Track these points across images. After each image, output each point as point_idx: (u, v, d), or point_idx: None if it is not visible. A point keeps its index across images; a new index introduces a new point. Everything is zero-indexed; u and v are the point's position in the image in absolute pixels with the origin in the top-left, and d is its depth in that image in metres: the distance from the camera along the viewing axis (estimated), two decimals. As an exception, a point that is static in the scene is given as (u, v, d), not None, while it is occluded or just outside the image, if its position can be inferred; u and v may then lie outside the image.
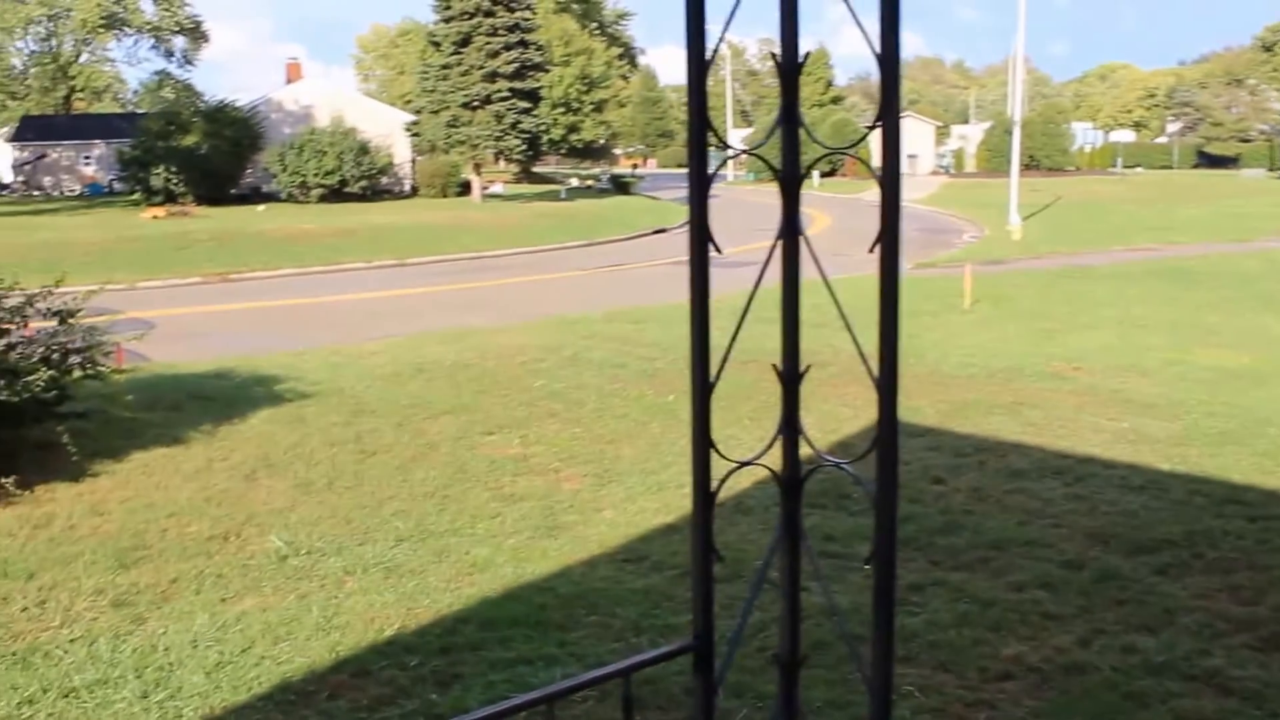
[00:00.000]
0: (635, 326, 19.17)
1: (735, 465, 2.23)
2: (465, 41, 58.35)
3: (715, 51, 2.10)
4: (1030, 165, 78.10)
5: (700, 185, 2.09)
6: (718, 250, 2.11)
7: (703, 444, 2.17)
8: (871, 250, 1.98)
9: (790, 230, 2.11)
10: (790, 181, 2.11)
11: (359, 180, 59.27)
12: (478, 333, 18.76)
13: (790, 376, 2.18)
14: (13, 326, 10.75)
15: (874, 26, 1.87)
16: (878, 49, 1.88)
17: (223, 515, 9.24)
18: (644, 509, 9.33)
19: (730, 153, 2.29)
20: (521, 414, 12.58)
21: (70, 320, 11.11)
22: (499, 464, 10.66)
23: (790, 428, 2.21)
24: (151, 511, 9.34)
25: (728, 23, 2.07)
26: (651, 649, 2.53)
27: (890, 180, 1.92)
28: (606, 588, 7.60)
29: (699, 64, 2.05)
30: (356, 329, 20.38)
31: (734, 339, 2.16)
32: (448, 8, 59.29)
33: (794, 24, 2.04)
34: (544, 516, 9.15)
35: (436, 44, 61.60)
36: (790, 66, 2.05)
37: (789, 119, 2.08)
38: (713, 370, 2.22)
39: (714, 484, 2.23)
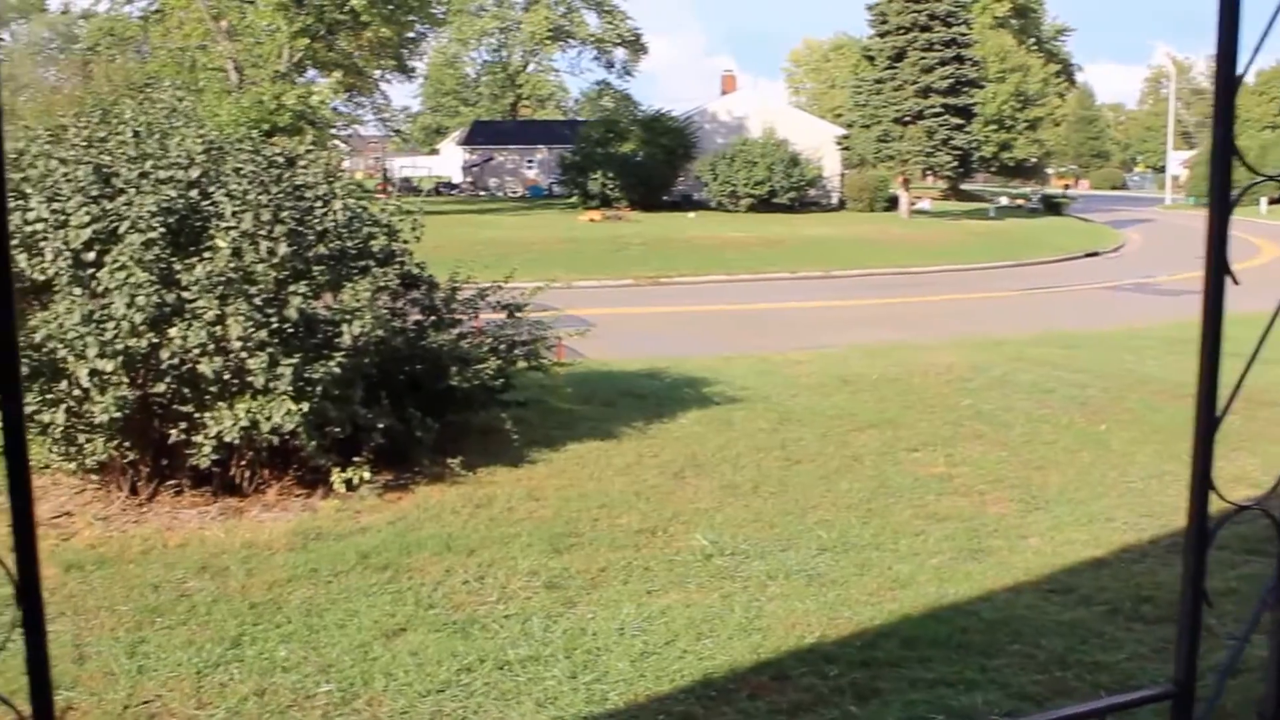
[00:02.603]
0: (1065, 351, 18.56)
1: (1234, 508, 2.10)
2: (900, 56, 58.07)
3: (1248, 67, 1.98)
4: None
5: (1221, 212, 1.98)
6: (1234, 280, 1.98)
7: (1202, 482, 2.05)
8: None
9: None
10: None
11: (787, 191, 59.81)
12: (903, 348, 18.62)
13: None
14: (465, 318, 11.41)
15: None
16: None
17: (651, 510, 9.50)
18: (1072, 540, 8.99)
19: (1259, 179, 2.12)
20: (947, 433, 12.38)
21: (518, 314, 11.70)
22: (923, 481, 10.53)
23: (1299, 468, 2.07)
24: (584, 501, 9.71)
25: (1265, 33, 1.94)
26: (1127, 690, 2.43)
27: None
28: (1031, 617, 7.36)
29: (1228, 81, 1.94)
30: (782, 338, 20.60)
31: (1245, 373, 2.04)
32: (883, 22, 59.16)
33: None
34: (968, 538, 8.95)
35: (870, 58, 61.65)
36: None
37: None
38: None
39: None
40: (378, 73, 66.92)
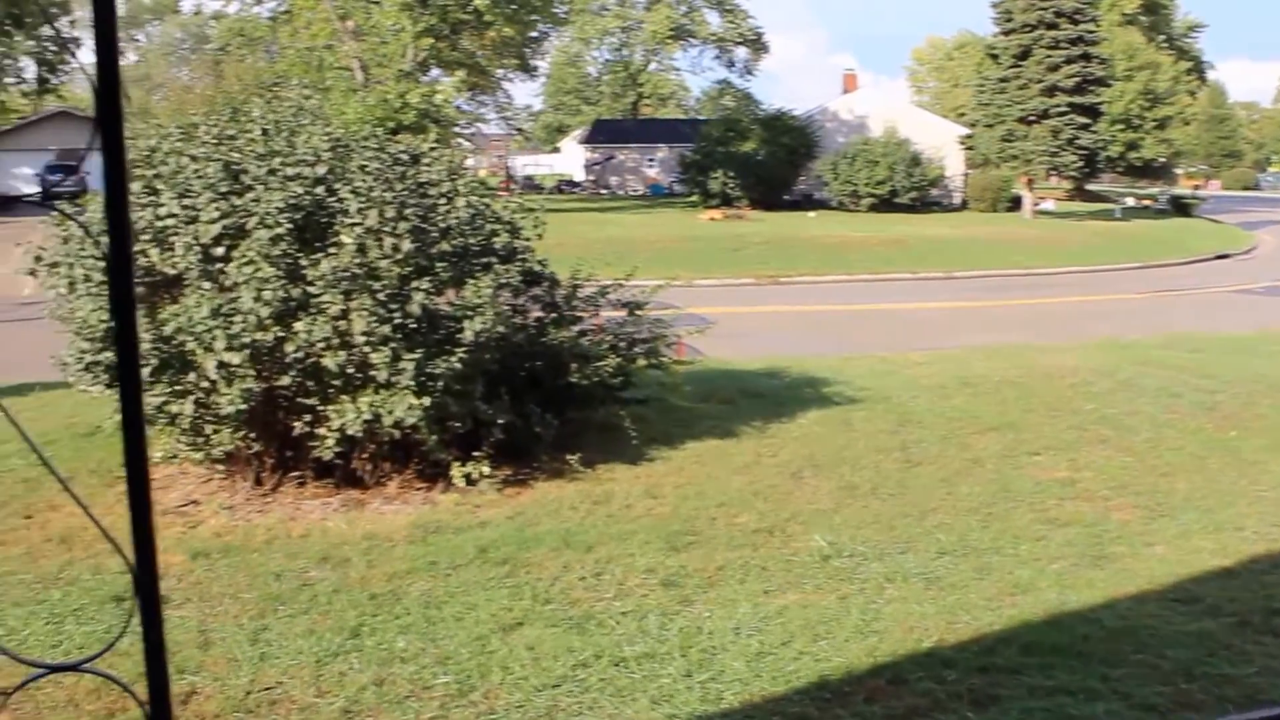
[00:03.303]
0: (1193, 355, 18.14)
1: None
2: (1025, 54, 57.28)
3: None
4: None
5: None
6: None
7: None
8: None
9: None
10: None
11: (909, 191, 59.36)
12: (1024, 350, 18.34)
13: None
14: (586, 315, 11.45)
15: None
16: None
17: (769, 510, 9.46)
18: (1199, 548, 8.78)
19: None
20: (1070, 437, 12.17)
21: (638, 312, 11.72)
22: (1045, 486, 10.36)
23: None
24: (702, 499, 9.70)
25: None
26: (1256, 706, 2.35)
27: None
28: (1155, 626, 7.20)
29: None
30: (901, 338, 20.41)
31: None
32: (1008, 20, 58.42)
33: None
34: (1090, 544, 8.79)
35: (995, 57, 60.89)
36: None
37: None
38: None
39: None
40: (500, 71, 67.47)
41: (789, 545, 8.63)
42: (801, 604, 7.47)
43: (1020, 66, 57.48)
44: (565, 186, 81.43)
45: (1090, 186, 78.42)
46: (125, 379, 1.31)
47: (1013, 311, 25.96)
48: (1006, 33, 58.88)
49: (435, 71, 58.19)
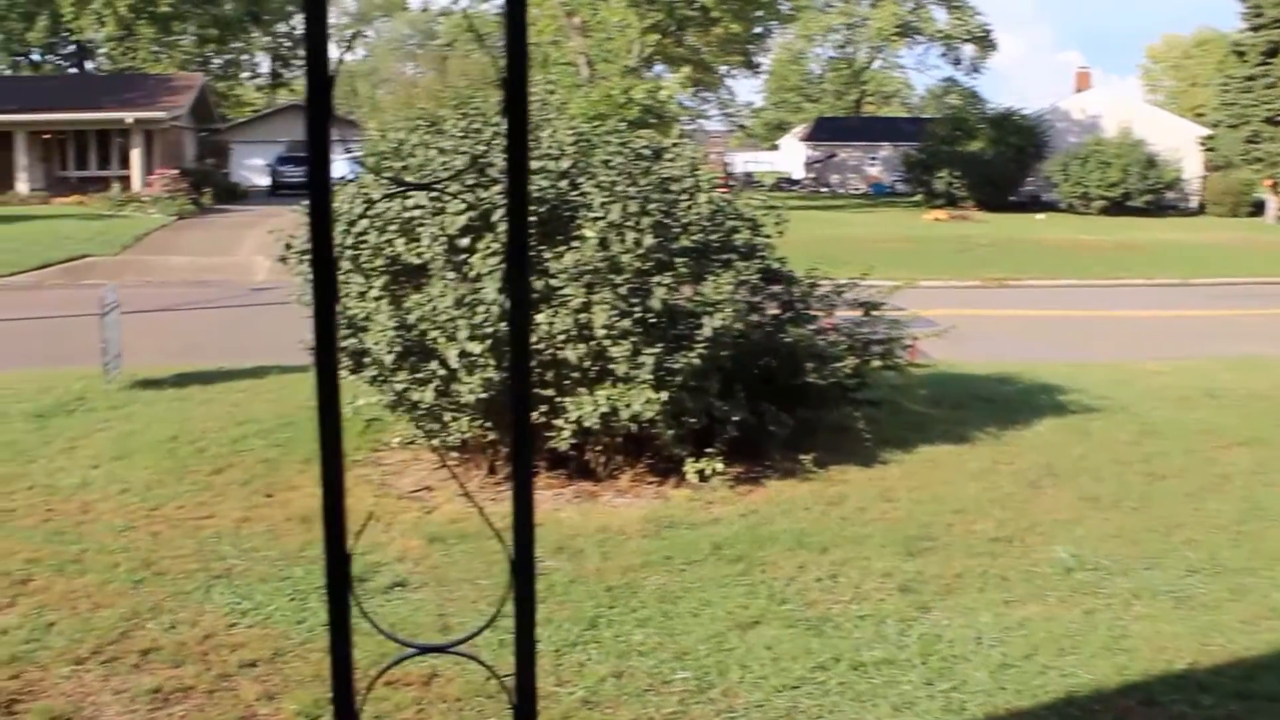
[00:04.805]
0: None
1: None
2: (1273, 52, 55.16)
3: None
4: None
5: None
6: None
7: None
8: None
9: None
10: None
11: (1143, 194, 57.57)
12: (1272, 362, 17.57)
13: None
14: (820, 314, 11.35)
15: None
16: None
17: (1007, 518, 9.24)
18: None
19: None
20: (1327, 456, 11.62)
21: (874, 312, 11.58)
22: (1302, 506, 9.91)
23: None
24: (937, 505, 9.54)
25: None
26: None
27: None
28: None
29: None
30: (1138, 346, 19.77)
31: None
32: (1258, 15, 56.25)
33: None
34: (1355, 570, 8.39)
35: (1241, 54, 58.70)
36: None
37: None
38: None
39: None
40: (724, 68, 67.67)
41: (1029, 555, 8.43)
42: (1044, 616, 7.29)
43: (1269, 64, 55.33)
44: (784, 184, 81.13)
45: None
46: (516, 375, 1.30)
47: (1256, 321, 24.92)
48: (1255, 29, 56.71)
49: (659, 67, 58.62)
